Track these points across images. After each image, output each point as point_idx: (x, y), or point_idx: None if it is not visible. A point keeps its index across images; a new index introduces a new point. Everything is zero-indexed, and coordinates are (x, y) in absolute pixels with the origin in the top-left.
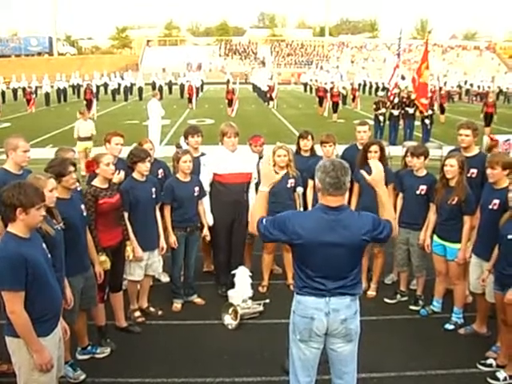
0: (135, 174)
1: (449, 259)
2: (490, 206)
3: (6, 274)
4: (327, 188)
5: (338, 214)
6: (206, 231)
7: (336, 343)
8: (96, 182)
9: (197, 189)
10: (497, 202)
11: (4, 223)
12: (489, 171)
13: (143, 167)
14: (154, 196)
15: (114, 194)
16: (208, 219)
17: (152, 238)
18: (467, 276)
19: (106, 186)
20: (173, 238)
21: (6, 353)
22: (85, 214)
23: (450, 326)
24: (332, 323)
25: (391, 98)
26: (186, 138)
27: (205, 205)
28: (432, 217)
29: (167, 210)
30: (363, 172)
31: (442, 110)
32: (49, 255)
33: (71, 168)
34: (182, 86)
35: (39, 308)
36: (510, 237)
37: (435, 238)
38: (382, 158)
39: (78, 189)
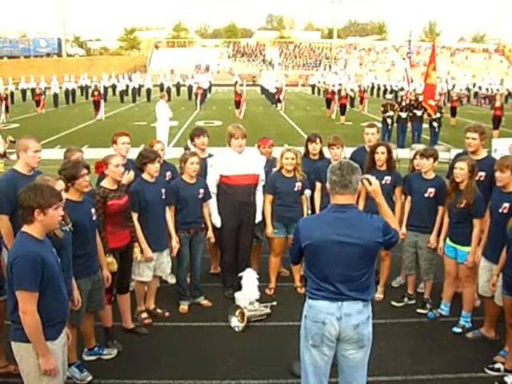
0: (145, 175)
1: (459, 262)
2: (500, 210)
3: (25, 274)
4: (334, 187)
5: (347, 212)
6: (210, 233)
7: (348, 349)
8: (105, 183)
9: (202, 191)
10: (507, 205)
11: (20, 224)
12: (498, 174)
13: (153, 168)
14: (163, 197)
15: (122, 196)
16: (215, 221)
17: (161, 239)
18: (476, 279)
19: (114, 187)
20: (175, 239)
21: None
22: (95, 218)
23: (457, 330)
24: (344, 328)
25: (407, 100)
26: (192, 140)
27: (211, 207)
28: (445, 219)
29: (171, 211)
30: (365, 181)
31: (453, 113)
32: (58, 259)
33: (84, 171)
34: (190, 88)
35: (50, 311)
36: None
37: (447, 240)
38: (390, 161)
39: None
